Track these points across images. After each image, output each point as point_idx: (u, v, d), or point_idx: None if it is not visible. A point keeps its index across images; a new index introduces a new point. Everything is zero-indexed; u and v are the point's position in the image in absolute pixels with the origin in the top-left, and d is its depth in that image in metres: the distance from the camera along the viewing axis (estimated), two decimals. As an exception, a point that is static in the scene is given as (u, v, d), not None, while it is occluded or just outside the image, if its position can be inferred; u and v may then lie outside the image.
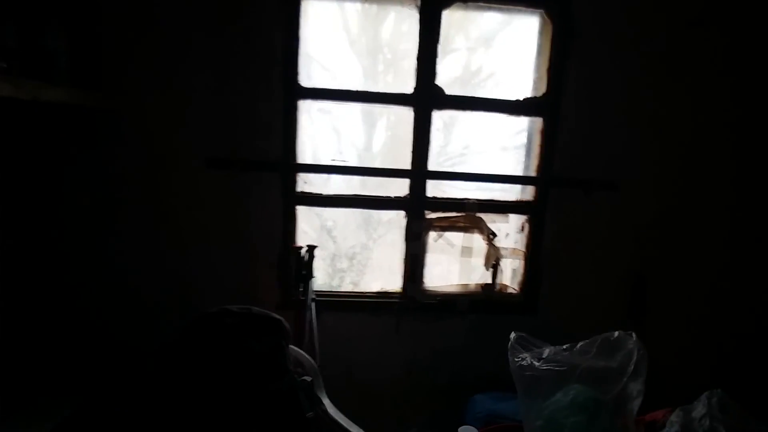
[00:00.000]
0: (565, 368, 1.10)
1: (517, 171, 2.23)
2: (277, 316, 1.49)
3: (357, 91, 2.02)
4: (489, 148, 2.37)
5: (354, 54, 2.12)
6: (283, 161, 1.97)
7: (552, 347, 1.17)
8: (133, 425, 1.26)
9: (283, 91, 1.93)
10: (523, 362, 1.13)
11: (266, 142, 1.96)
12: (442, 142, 2.25)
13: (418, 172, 2.05)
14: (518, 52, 2.22)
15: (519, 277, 2.20)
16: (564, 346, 1.18)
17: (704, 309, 2.24)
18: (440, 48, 1.98)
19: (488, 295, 2.18)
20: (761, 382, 2.22)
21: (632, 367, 1.08)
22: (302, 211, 2.07)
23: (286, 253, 2.01)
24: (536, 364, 1.12)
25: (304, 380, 1.39)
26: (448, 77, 2.07)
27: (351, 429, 1.50)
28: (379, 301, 2.13)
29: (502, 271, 2.18)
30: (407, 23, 2.03)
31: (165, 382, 1.30)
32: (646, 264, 2.18)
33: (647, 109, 2.08)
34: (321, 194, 2.04)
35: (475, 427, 1.82)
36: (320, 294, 2.04)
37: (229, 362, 1.30)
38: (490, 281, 2.18)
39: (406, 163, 2.06)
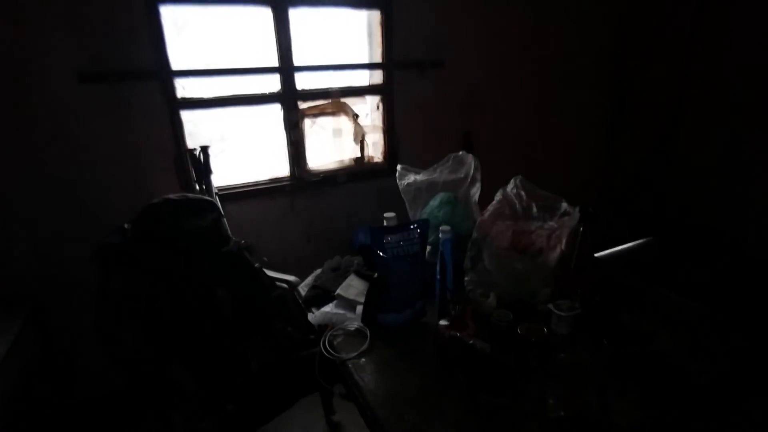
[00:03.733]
0: (434, 180, 1.66)
1: (363, 59, 2.64)
2: (209, 198, 1.77)
3: (215, -5, 2.14)
4: (336, 41, 2.69)
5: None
6: (160, 68, 2.06)
7: (422, 171, 1.72)
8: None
9: (142, -3, 1.97)
10: (409, 181, 1.66)
11: (137, 51, 2.02)
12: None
13: (287, 67, 2.33)
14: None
15: (381, 148, 2.73)
16: (428, 169, 1.74)
17: (509, 150, 3.08)
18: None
19: (360, 167, 2.68)
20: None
21: (471, 173, 1.68)
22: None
23: (181, 156, 2.19)
24: (419, 179, 1.65)
25: (247, 241, 1.74)
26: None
27: (284, 276, 1.93)
28: (273, 186, 2.47)
29: (367, 145, 2.67)
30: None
31: (142, 264, 1.53)
32: (469, 123, 2.88)
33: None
34: (203, 98, 2.21)
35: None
36: (221, 189, 2.30)
37: (186, 237, 1.57)
38: (359, 155, 2.66)
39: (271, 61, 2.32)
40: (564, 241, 1.63)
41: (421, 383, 1.23)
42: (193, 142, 2.21)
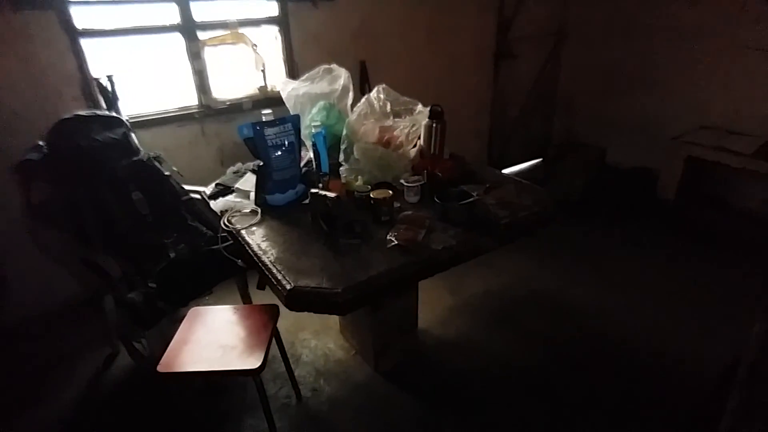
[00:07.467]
0: (314, 92, 2.00)
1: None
2: (116, 114, 2.00)
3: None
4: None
5: None
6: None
7: (299, 81, 2.04)
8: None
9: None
10: (288, 90, 1.98)
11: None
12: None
13: (183, -3, 2.50)
14: None
15: (282, 76, 2.98)
16: (305, 77, 2.06)
17: (403, 75, 3.42)
18: None
19: (264, 95, 2.93)
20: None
21: (343, 84, 2.03)
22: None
23: (88, 84, 2.35)
24: (299, 87, 1.98)
25: (155, 153, 2.01)
26: None
27: (197, 188, 2.22)
28: (182, 114, 2.69)
29: (268, 75, 2.92)
30: None
31: (60, 174, 1.76)
32: (363, 52, 3.18)
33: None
34: (104, 28, 2.35)
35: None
36: (131, 117, 2.49)
37: (100, 147, 1.82)
38: (263, 84, 2.92)
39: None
40: (422, 135, 2.04)
41: (298, 236, 1.61)
42: (99, 72, 2.37)
